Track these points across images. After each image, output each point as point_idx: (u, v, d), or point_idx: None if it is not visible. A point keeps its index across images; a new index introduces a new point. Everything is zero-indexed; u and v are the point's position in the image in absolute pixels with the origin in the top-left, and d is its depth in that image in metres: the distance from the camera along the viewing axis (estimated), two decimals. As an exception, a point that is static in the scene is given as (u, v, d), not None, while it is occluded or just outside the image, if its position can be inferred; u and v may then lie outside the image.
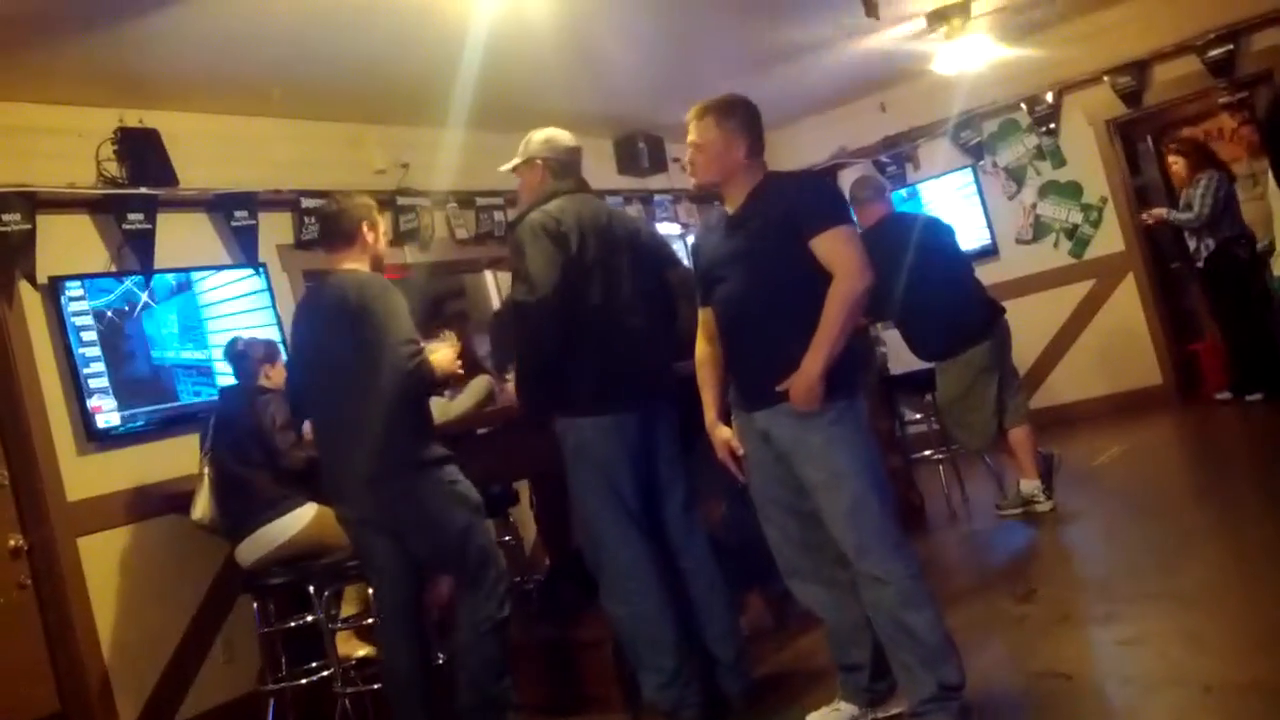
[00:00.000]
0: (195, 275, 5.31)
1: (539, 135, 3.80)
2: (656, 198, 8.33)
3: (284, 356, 4.88)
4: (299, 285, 5.79)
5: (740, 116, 3.16)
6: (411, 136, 6.38)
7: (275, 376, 4.68)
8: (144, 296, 5.04)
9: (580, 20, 5.29)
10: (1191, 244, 7.40)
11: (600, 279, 3.56)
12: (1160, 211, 7.56)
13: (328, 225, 3.93)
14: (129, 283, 5.00)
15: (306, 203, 5.84)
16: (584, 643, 4.14)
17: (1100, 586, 4.26)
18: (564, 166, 3.75)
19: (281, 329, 5.55)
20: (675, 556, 3.65)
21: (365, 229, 3.85)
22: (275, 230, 5.77)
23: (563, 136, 3.81)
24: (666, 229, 8.20)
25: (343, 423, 3.69)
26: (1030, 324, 7.57)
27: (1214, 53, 7.63)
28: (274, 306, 5.57)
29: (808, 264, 2.96)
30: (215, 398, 4.93)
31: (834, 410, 2.95)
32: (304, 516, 4.40)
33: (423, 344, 3.69)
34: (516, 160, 3.81)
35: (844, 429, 2.97)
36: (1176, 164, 7.56)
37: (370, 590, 3.98)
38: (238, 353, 4.77)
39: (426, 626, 3.91)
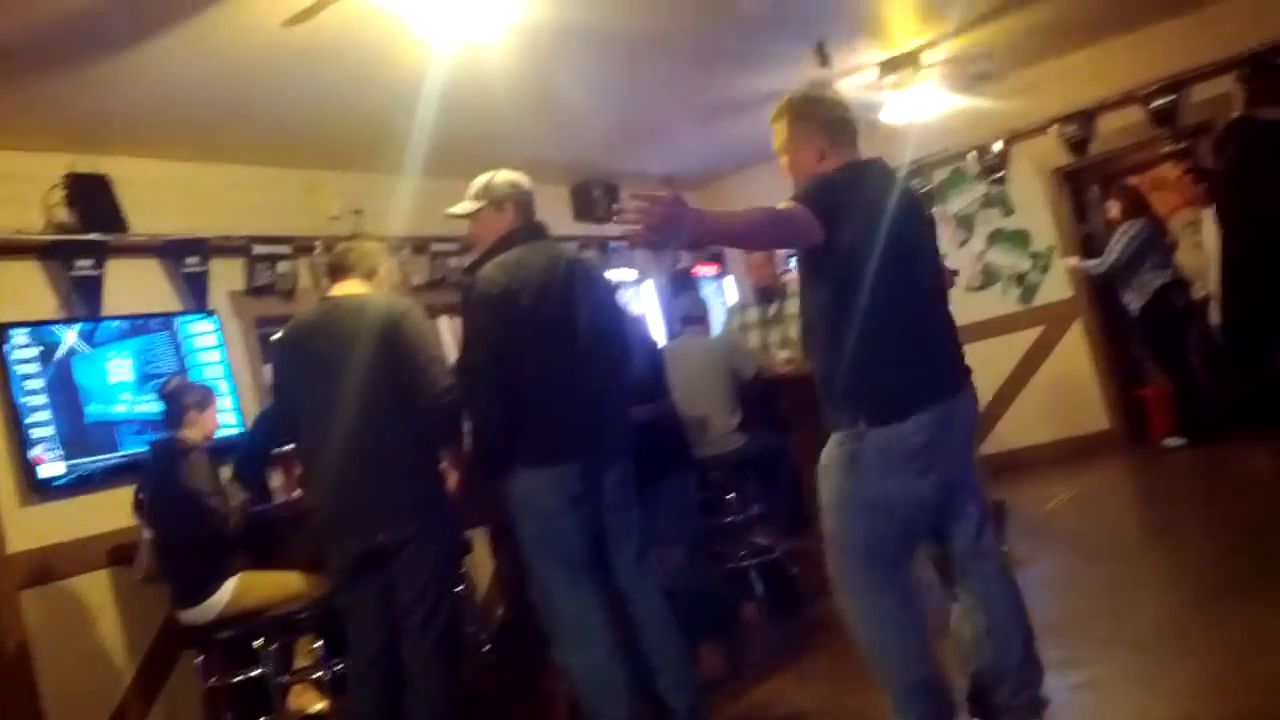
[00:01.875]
0: (145, 323, 5.24)
1: (500, 177, 3.74)
2: (612, 244, 8.36)
3: (219, 402, 4.76)
4: (251, 332, 5.74)
5: (815, 116, 3.06)
6: (366, 183, 6.37)
7: (205, 424, 4.54)
8: (88, 345, 4.97)
9: (537, 67, 5.31)
10: (1123, 298, 7.55)
11: (551, 331, 3.53)
12: (1071, 261, 7.72)
13: (351, 257, 3.86)
14: (76, 330, 4.93)
15: (259, 249, 5.81)
16: (540, 692, 4.10)
17: (1053, 632, 4.25)
18: (526, 210, 3.72)
19: (232, 377, 5.49)
20: (627, 605, 3.62)
21: (383, 272, 3.84)
22: (227, 277, 5.72)
23: (522, 179, 3.78)
24: (622, 275, 8.23)
25: (368, 446, 3.57)
26: (980, 370, 7.50)
27: (1157, 103, 7.82)
28: (223, 352, 5.51)
29: (821, 278, 2.93)
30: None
31: (838, 436, 2.93)
32: (225, 594, 4.29)
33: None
34: (479, 204, 3.72)
35: (831, 459, 2.94)
36: (1112, 209, 7.77)
37: (349, 635, 3.78)
38: (168, 393, 4.63)
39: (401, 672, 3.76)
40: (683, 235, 2.60)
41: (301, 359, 3.75)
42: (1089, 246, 8.37)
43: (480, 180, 3.76)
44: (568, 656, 3.52)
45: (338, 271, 3.86)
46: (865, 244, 2.80)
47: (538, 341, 3.49)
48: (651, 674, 3.59)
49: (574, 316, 3.59)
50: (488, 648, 4.97)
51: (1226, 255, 4.43)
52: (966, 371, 3.02)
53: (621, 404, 3.71)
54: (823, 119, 3.03)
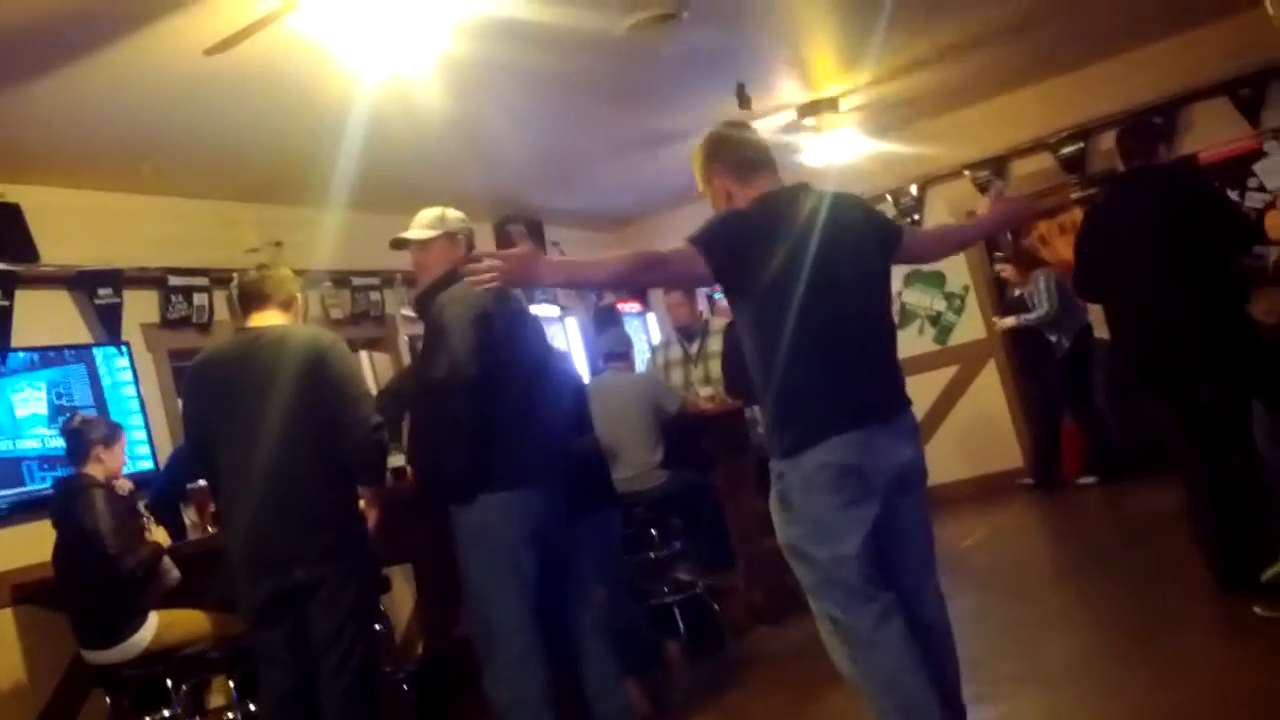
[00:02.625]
0: (59, 354, 5.12)
1: (453, 212, 3.76)
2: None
3: (126, 439, 4.63)
4: (164, 365, 5.63)
5: (720, 155, 3.03)
6: (286, 215, 6.30)
7: (110, 462, 4.37)
8: (-2, 376, 4.84)
9: (462, 102, 5.31)
10: (1052, 338, 7.79)
11: (510, 359, 3.54)
12: (1009, 321, 7.91)
13: (259, 285, 3.73)
14: (-18, 362, 4.80)
15: (174, 280, 5.71)
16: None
17: (970, 668, 4.28)
18: (472, 246, 3.73)
19: (144, 411, 5.37)
20: (570, 635, 3.60)
21: (300, 302, 3.77)
22: (141, 309, 5.61)
23: (460, 215, 3.80)
24: (546, 311, 8.22)
25: (287, 482, 3.48)
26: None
27: (1066, 150, 8.09)
28: (136, 386, 5.39)
29: (740, 314, 2.93)
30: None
31: (775, 469, 2.88)
32: (149, 630, 4.14)
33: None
34: (434, 233, 3.71)
35: (772, 506, 2.90)
36: (1005, 270, 8.12)
37: (261, 674, 3.67)
38: (73, 429, 4.43)
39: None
40: (538, 284, 2.69)
41: (217, 391, 3.63)
42: (1001, 288, 8.57)
43: (433, 212, 3.76)
44: (502, 693, 3.45)
45: (253, 301, 3.74)
46: (775, 275, 2.77)
47: (504, 368, 3.49)
48: (589, 705, 3.57)
49: (524, 346, 3.62)
50: (405, 687, 4.89)
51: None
52: (904, 401, 2.93)
53: (562, 436, 3.73)
54: (728, 158, 3.00)
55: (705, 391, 6.04)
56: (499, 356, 3.47)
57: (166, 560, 4.22)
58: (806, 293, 2.75)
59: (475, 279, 2.59)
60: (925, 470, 2.96)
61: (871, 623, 2.76)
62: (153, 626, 4.13)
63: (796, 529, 2.80)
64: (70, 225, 5.29)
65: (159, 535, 4.43)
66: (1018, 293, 7.97)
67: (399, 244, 3.79)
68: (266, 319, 3.71)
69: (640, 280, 2.94)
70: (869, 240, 2.96)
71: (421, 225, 3.74)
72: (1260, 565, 4.01)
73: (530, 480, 3.49)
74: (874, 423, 2.78)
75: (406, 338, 7.30)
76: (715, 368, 6.17)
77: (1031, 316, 7.76)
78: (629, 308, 9.52)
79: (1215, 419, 4.13)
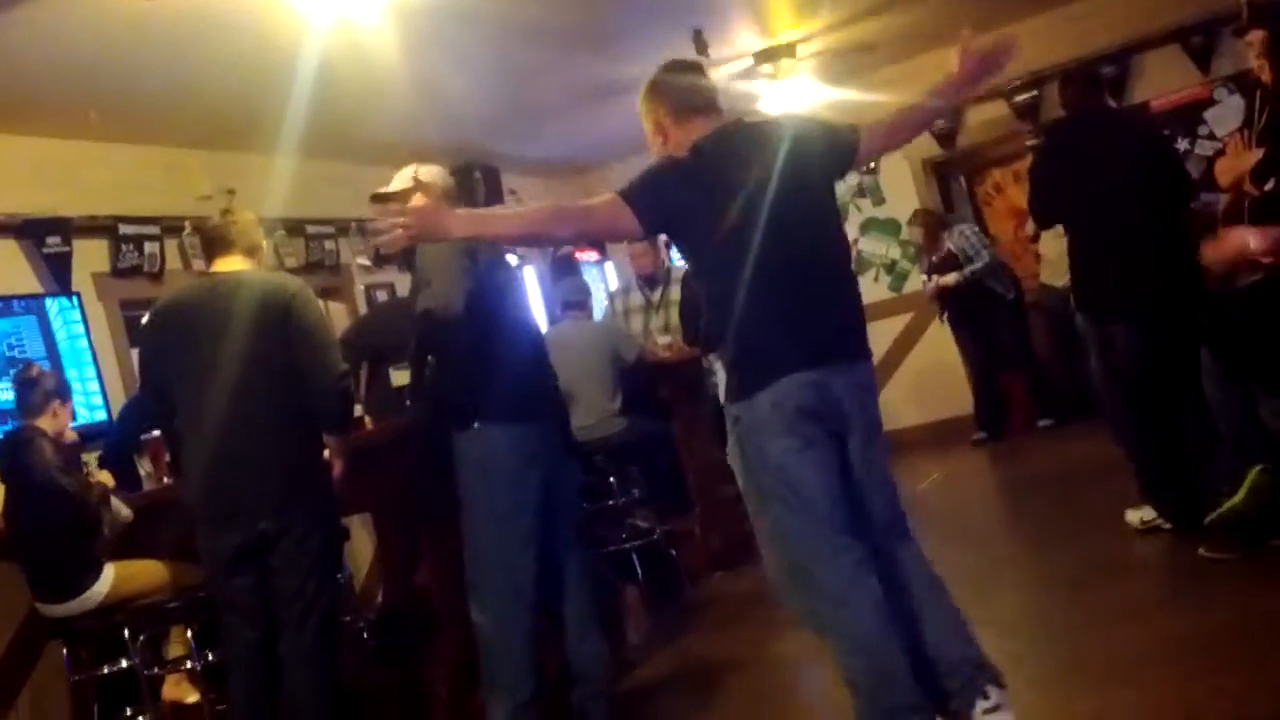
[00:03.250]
0: (7, 305, 5.04)
1: (430, 167, 3.75)
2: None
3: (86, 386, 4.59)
4: (116, 315, 5.56)
5: (656, 95, 2.95)
6: (239, 162, 6.21)
7: (62, 418, 4.30)
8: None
9: (417, 49, 5.25)
10: (996, 287, 7.87)
11: (503, 303, 3.56)
12: (949, 280, 7.92)
13: (223, 231, 3.66)
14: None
15: (125, 229, 5.63)
16: (419, 682, 4.07)
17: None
18: (449, 198, 3.70)
19: (96, 361, 5.31)
20: (557, 571, 3.63)
21: (264, 250, 3.74)
22: (91, 258, 5.53)
23: (441, 170, 3.78)
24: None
25: (250, 432, 3.43)
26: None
27: (1020, 98, 8.12)
28: (88, 337, 5.33)
29: (691, 262, 2.93)
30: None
31: (731, 413, 2.85)
32: (105, 582, 4.11)
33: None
34: (407, 185, 3.70)
35: (731, 453, 2.90)
36: (916, 234, 8.19)
37: (226, 626, 3.62)
38: (30, 379, 4.33)
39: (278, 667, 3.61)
40: (447, 237, 2.77)
41: (179, 338, 3.55)
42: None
43: (411, 167, 3.73)
44: (488, 621, 3.47)
45: (217, 246, 3.67)
46: (717, 221, 2.71)
47: (495, 305, 3.50)
48: (567, 643, 3.61)
49: (508, 286, 3.64)
50: (365, 635, 4.91)
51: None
52: (864, 349, 2.83)
53: (552, 373, 3.76)
54: (666, 101, 2.92)
55: (664, 340, 6.05)
56: (488, 294, 3.46)
57: (115, 500, 4.20)
58: (753, 234, 2.69)
59: (380, 239, 2.56)
60: (879, 423, 2.87)
61: (844, 576, 2.66)
62: (109, 578, 4.11)
63: (757, 476, 2.76)
64: (16, 173, 5.20)
65: (104, 478, 4.38)
66: (934, 258, 8.01)
67: (379, 199, 3.75)
68: (231, 265, 3.64)
69: (561, 235, 2.95)
70: (814, 165, 2.84)
71: (402, 180, 3.73)
72: (1208, 508, 4.10)
73: (531, 415, 3.51)
74: (831, 365, 2.70)
75: (363, 287, 7.26)
76: (675, 315, 6.19)
77: (978, 266, 7.81)
78: (587, 257, 9.50)
79: (1162, 365, 4.21)
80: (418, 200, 3.64)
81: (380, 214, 2.65)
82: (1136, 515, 4.45)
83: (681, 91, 2.92)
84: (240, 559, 3.48)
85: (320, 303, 3.56)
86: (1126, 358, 4.34)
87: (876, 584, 2.68)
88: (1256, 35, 3.85)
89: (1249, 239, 3.58)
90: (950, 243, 7.90)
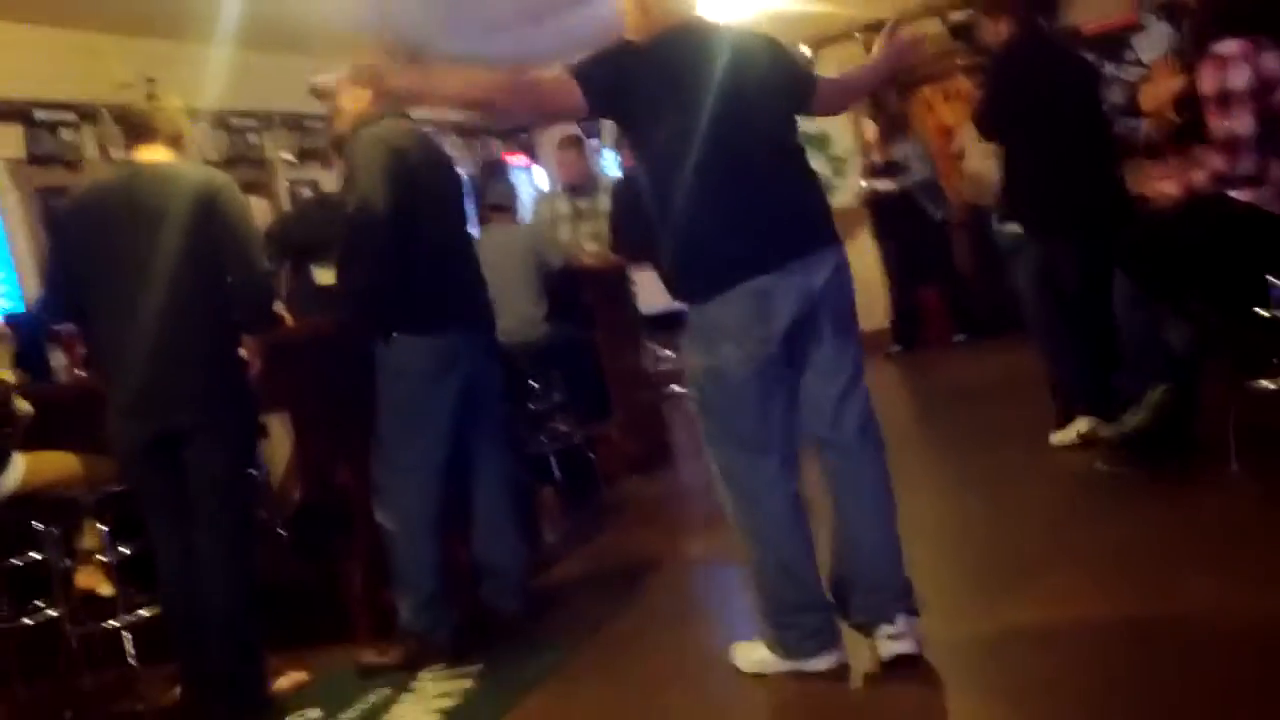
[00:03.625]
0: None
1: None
2: (433, 130, 8.19)
3: None
4: (32, 203, 5.44)
5: None
6: (160, 49, 6.03)
7: None
8: None
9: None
10: (927, 205, 7.96)
11: (437, 203, 3.55)
12: (886, 185, 7.98)
13: (147, 117, 3.52)
14: None
15: (40, 115, 5.48)
16: (333, 576, 4.12)
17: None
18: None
19: (10, 250, 5.20)
20: (475, 470, 3.68)
21: (187, 139, 3.61)
22: (4, 144, 5.39)
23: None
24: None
25: (166, 327, 3.34)
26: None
27: (955, 17, 8.13)
28: (2, 226, 5.20)
29: (638, 158, 2.88)
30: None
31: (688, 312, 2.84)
32: (14, 473, 3.94)
33: None
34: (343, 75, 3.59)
35: (686, 334, 2.89)
36: (868, 130, 8.30)
37: (146, 521, 3.60)
38: None
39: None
40: (386, 92, 2.80)
41: (97, 229, 3.43)
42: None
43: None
44: (389, 522, 3.55)
45: (140, 134, 3.52)
46: (670, 115, 2.68)
47: (422, 210, 3.48)
48: (479, 539, 3.70)
49: (446, 193, 3.64)
50: (282, 533, 4.93)
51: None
52: (824, 235, 2.79)
53: (482, 281, 3.77)
54: None
55: (591, 248, 6.06)
56: (415, 196, 3.44)
57: (15, 397, 4.12)
58: (705, 133, 2.66)
59: (317, 78, 2.55)
60: (852, 309, 2.89)
61: (762, 478, 2.76)
62: (19, 469, 4.05)
63: (701, 378, 2.80)
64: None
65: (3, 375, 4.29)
66: (877, 158, 8.08)
67: (317, 92, 3.68)
68: (153, 154, 3.51)
69: (507, 105, 2.89)
70: (778, 86, 2.85)
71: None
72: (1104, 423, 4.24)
73: (449, 325, 3.53)
74: (785, 266, 2.68)
75: (287, 182, 7.14)
76: (604, 226, 6.18)
77: (917, 179, 7.89)
78: (516, 161, 9.41)
79: (1105, 280, 4.30)
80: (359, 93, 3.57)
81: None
82: (1067, 435, 4.52)
83: None
84: (153, 451, 3.44)
85: (245, 198, 3.49)
86: (1071, 275, 4.40)
87: (794, 488, 2.79)
88: None
89: (1169, 188, 3.82)
90: (896, 152, 7.96)
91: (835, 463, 2.84)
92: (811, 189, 2.88)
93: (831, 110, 3.22)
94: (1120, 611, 2.89)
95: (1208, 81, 3.58)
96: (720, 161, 2.67)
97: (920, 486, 4.66)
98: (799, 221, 2.77)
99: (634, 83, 2.70)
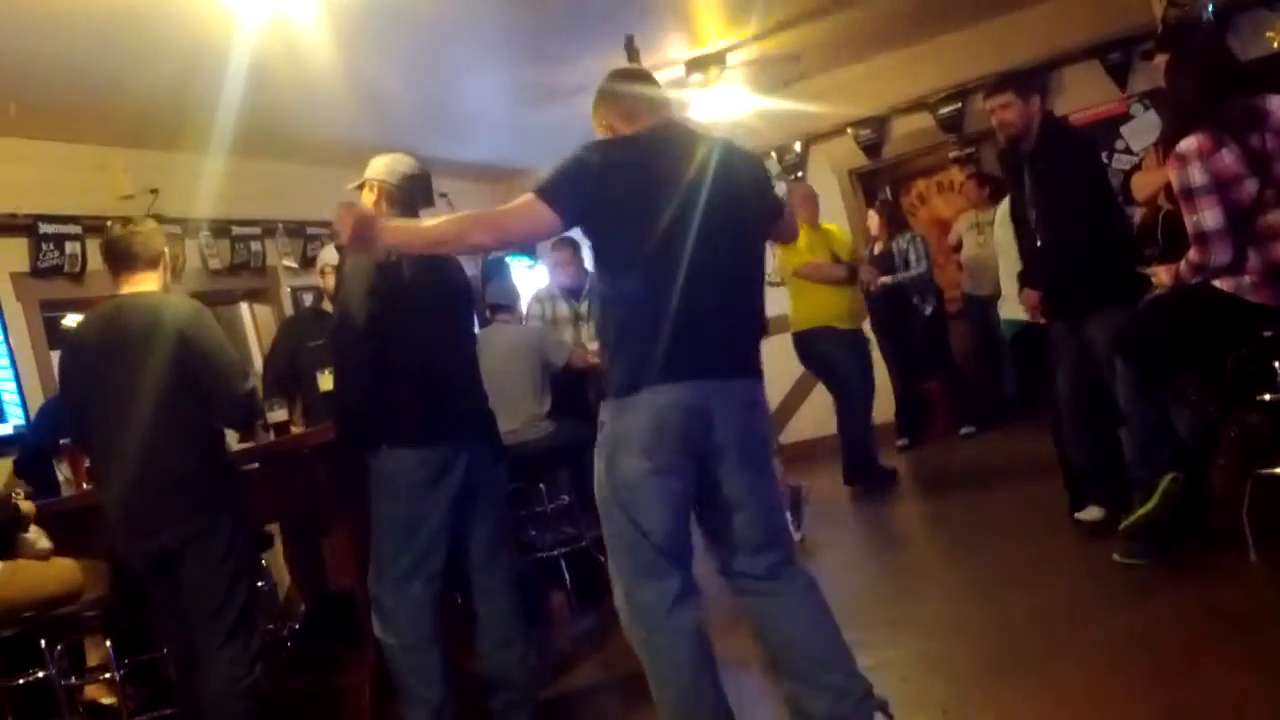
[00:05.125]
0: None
1: (381, 159, 3.69)
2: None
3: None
4: (35, 317, 5.45)
5: (606, 95, 2.92)
6: (163, 161, 6.12)
7: None
8: None
9: (349, 47, 5.21)
10: (916, 299, 8.01)
11: (430, 314, 3.54)
12: (886, 279, 8.01)
13: (126, 245, 3.65)
14: None
15: (45, 228, 5.52)
16: (341, 689, 4.05)
17: (846, 614, 4.41)
18: (400, 193, 3.63)
19: (15, 363, 5.20)
20: (480, 577, 3.64)
21: (166, 255, 3.71)
22: (10, 257, 5.42)
23: (403, 163, 3.69)
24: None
25: (153, 450, 3.47)
26: (779, 361, 7.89)
27: (944, 110, 8.28)
28: (6, 339, 5.21)
29: (596, 257, 2.81)
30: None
31: (602, 414, 2.79)
32: None
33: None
34: (355, 184, 3.70)
35: (598, 440, 2.80)
36: (872, 222, 8.25)
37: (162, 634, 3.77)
38: None
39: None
40: (378, 247, 2.83)
41: (88, 364, 3.62)
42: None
43: (379, 159, 3.71)
44: (388, 637, 3.50)
45: (122, 263, 3.66)
46: (632, 204, 2.65)
47: (416, 320, 3.49)
48: (487, 652, 3.62)
49: (447, 303, 3.63)
50: (289, 643, 4.86)
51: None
52: (751, 370, 2.78)
53: (480, 388, 3.75)
54: (614, 102, 2.88)
55: (594, 346, 6.07)
56: (404, 311, 3.45)
57: (35, 529, 4.16)
58: (666, 229, 2.62)
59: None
60: (765, 444, 2.83)
61: (663, 604, 2.65)
62: None
63: (605, 487, 2.69)
64: (-69, 169, 5.08)
65: (26, 506, 4.30)
66: (877, 250, 8.11)
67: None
68: (136, 284, 3.65)
69: (480, 242, 2.78)
70: (751, 200, 2.83)
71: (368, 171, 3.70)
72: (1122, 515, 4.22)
73: (440, 436, 3.50)
74: (708, 380, 2.64)
75: (289, 289, 7.17)
76: (603, 325, 6.18)
77: (912, 273, 7.94)
78: (518, 261, 9.47)
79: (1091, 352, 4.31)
80: (366, 198, 3.63)
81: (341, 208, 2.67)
82: (1090, 513, 4.53)
83: (631, 95, 2.89)
84: (153, 568, 3.56)
85: (213, 317, 3.63)
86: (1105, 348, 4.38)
87: (695, 619, 2.69)
88: (1163, 57, 4.00)
89: (1163, 275, 3.92)
90: (897, 244, 7.99)
91: (750, 598, 2.77)
92: (755, 314, 2.87)
93: (779, 240, 3.31)
94: (1144, 707, 2.85)
95: (1173, 178, 3.70)
96: (676, 260, 2.62)
97: (934, 581, 4.63)
98: (736, 342, 2.74)
99: (601, 180, 2.66)
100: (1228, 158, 3.59)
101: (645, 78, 2.99)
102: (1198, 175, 3.60)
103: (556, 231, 2.76)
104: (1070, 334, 4.43)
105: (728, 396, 2.67)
